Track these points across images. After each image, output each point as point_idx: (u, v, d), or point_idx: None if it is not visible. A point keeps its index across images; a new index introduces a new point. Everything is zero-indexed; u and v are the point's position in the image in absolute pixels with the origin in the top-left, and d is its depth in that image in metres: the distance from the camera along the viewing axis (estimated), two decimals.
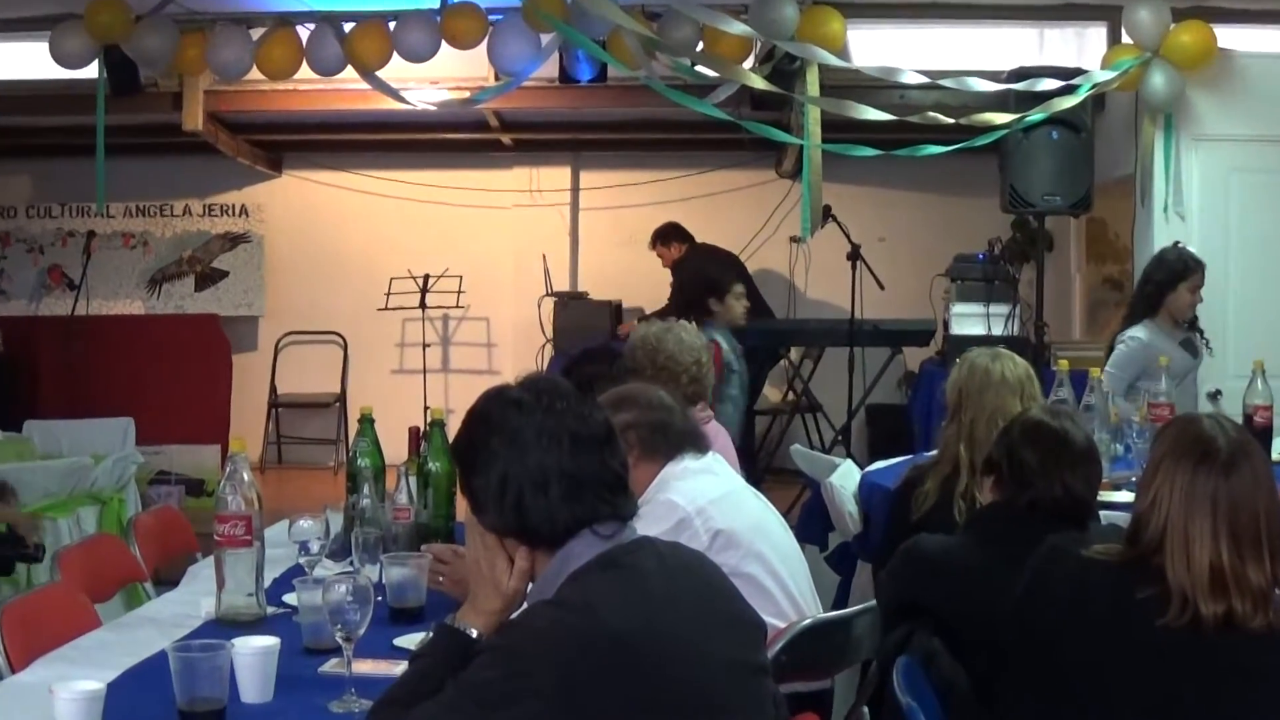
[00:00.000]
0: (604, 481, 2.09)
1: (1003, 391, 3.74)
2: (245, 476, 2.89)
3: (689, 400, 3.87)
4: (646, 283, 9.14)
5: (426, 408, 8.94)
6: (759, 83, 6.49)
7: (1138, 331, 5.47)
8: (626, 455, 2.15)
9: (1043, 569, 2.50)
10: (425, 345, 9.59)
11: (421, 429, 3.71)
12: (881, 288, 7.72)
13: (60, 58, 7.08)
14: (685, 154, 9.83)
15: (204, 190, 10.07)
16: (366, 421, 3.62)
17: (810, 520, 4.96)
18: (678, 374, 4.08)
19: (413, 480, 3.50)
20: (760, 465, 8.66)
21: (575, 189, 10.08)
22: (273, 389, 10.01)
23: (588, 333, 8.48)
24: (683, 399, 3.53)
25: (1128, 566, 2.38)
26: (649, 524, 2.43)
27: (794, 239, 9.40)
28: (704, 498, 3.01)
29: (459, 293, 9.55)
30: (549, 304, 9.32)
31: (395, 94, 7.10)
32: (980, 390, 3.77)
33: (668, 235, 8.87)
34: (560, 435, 2.06)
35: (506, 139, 9.69)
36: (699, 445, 3.15)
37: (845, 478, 4.70)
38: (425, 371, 9.53)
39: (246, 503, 2.89)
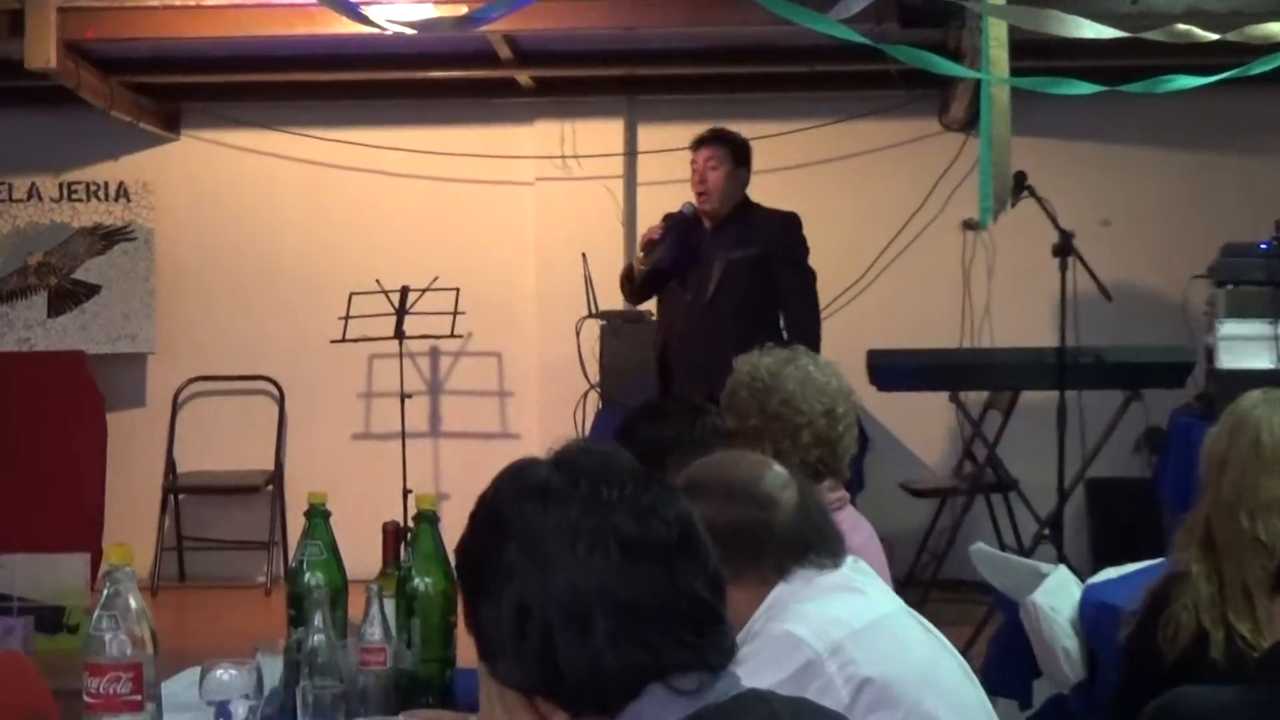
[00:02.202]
0: (678, 611, 2.06)
1: None
2: (132, 602, 2.88)
3: (813, 473, 3.84)
4: None
5: (408, 492, 8.98)
6: None
7: None
8: (721, 567, 2.12)
9: None
10: (404, 396, 9.62)
11: (401, 525, 3.71)
12: (1108, 298, 7.68)
13: None
14: (798, 98, 9.84)
15: (59, 161, 10.19)
16: (318, 515, 3.61)
17: (1004, 661, 4.94)
18: (796, 429, 4.05)
19: (390, 605, 3.49)
20: (920, 575, 8.58)
21: (631, 153, 10.11)
22: (170, 465, 10.08)
23: (652, 372, 8.45)
24: (804, 471, 3.49)
25: None
26: (758, 669, 2.40)
27: (968, 224, 9.38)
28: (841, 629, 2.96)
29: (455, 314, 9.57)
30: (592, 329, 9.32)
31: (354, 11, 7.12)
32: (1247, 459, 3.76)
33: (740, 148, 8.16)
34: (606, 540, 2.04)
35: (525, 78, 9.74)
36: (830, 549, 3.11)
37: (1057, 595, 4.66)
38: (404, 436, 9.56)
39: (134, 643, 2.87)
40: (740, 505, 3.08)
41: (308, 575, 3.56)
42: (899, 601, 3.24)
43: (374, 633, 3.41)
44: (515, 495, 2.10)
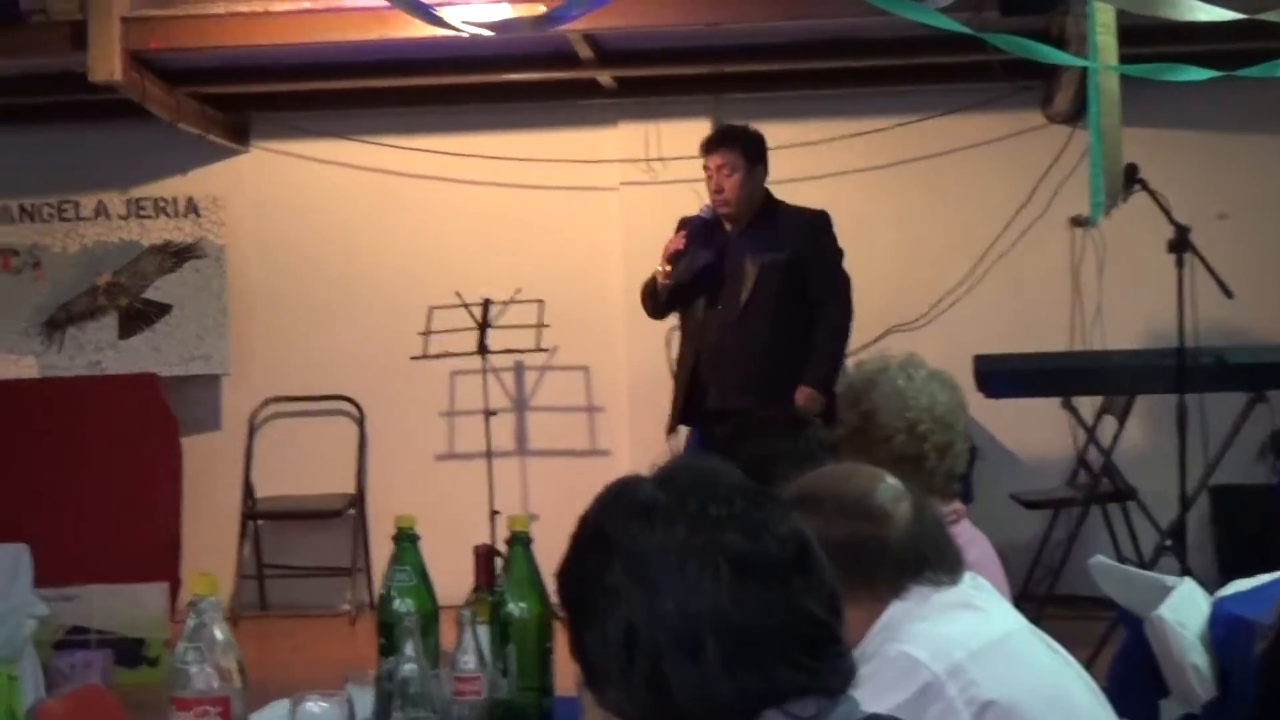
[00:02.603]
0: (794, 633, 2.06)
1: None
2: (218, 634, 2.87)
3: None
4: None
5: (495, 513, 9.01)
6: None
7: None
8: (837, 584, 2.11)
9: None
10: (489, 413, 9.63)
11: (493, 548, 3.71)
12: (1229, 295, 7.61)
13: None
14: (891, 93, 9.85)
15: (126, 177, 10.28)
16: (406, 540, 3.61)
17: (1129, 681, 4.90)
18: (872, 444, 4.05)
19: (483, 631, 3.48)
20: (1034, 590, 8.53)
21: None
22: (248, 490, 10.15)
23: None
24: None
25: None
26: (875, 693, 2.38)
27: (1077, 220, 9.36)
28: (961, 649, 2.94)
29: (540, 327, 9.61)
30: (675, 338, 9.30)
31: (428, 13, 7.14)
32: None
33: (753, 144, 7.95)
34: (716, 561, 2.04)
35: (607, 78, 9.76)
36: (947, 565, 3.09)
37: (1185, 609, 4.62)
38: (490, 455, 9.56)
39: (221, 676, 2.87)
40: (853, 520, 3.06)
41: (397, 602, 3.54)
42: (1021, 619, 3.22)
43: (468, 661, 3.39)
44: (619, 515, 2.10)
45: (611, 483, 2.15)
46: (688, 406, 7.75)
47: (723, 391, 7.51)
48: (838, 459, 3.65)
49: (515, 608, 3.53)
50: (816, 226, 7.73)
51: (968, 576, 3.16)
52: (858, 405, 4.12)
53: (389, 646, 3.50)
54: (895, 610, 3.03)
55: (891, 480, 3.19)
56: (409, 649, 3.40)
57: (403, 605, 3.53)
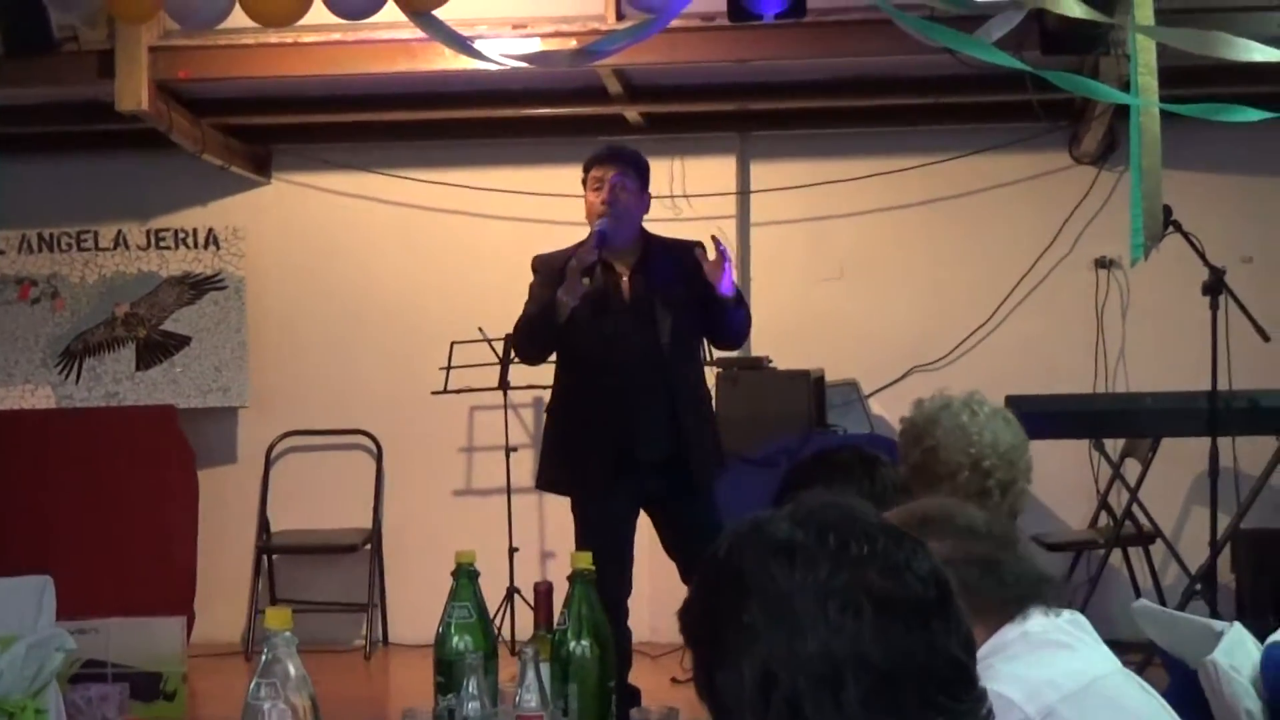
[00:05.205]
0: (934, 674, 2.03)
1: None
2: (291, 669, 2.87)
3: None
4: (870, 339, 9.06)
5: (514, 550, 9.02)
6: (1073, 4, 6.38)
7: None
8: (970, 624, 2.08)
9: None
10: (509, 449, 9.63)
11: (552, 586, 3.72)
12: (1265, 338, 7.65)
13: None
14: (919, 132, 9.84)
15: (147, 208, 10.28)
16: (465, 576, 3.64)
17: None
18: (935, 480, 4.07)
19: (545, 670, 3.47)
20: None
21: (744, 191, 10.10)
22: (263, 524, 10.14)
23: (774, 425, 8.40)
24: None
25: None
26: None
27: (1102, 261, 9.33)
28: (1055, 691, 2.90)
29: None
30: (707, 377, 9.23)
31: (462, 44, 7.13)
32: None
33: (647, 172, 7.43)
34: (860, 601, 2.00)
35: (635, 114, 9.76)
36: (1057, 592, 3.07)
37: (1236, 653, 4.56)
38: (509, 491, 9.55)
39: (295, 713, 2.86)
40: (982, 541, 3.07)
41: (456, 639, 3.58)
42: (1114, 660, 3.18)
43: (530, 699, 3.39)
44: (757, 553, 2.06)
45: (744, 519, 2.11)
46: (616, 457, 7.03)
47: (651, 442, 7.03)
48: (911, 500, 3.61)
49: (577, 646, 3.56)
50: (695, 256, 7.03)
51: (1067, 612, 3.13)
52: (920, 442, 4.11)
53: (447, 685, 3.53)
54: (993, 642, 3.01)
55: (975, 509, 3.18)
56: (471, 687, 3.40)
57: (462, 642, 3.57)
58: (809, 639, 2.00)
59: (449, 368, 9.48)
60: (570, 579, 3.59)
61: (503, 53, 7.45)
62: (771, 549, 2.05)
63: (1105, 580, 8.78)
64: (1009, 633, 3.02)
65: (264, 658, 2.89)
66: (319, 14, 7.08)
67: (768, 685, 2.01)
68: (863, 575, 2.02)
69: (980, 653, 3.01)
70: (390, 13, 6.83)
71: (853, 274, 9.52)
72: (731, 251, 7.16)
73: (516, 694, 3.41)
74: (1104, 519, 9.15)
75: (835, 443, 7.54)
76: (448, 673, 3.53)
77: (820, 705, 1.99)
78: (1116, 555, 8.93)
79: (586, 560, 3.60)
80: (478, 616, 3.60)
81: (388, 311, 10.16)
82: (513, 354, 8.74)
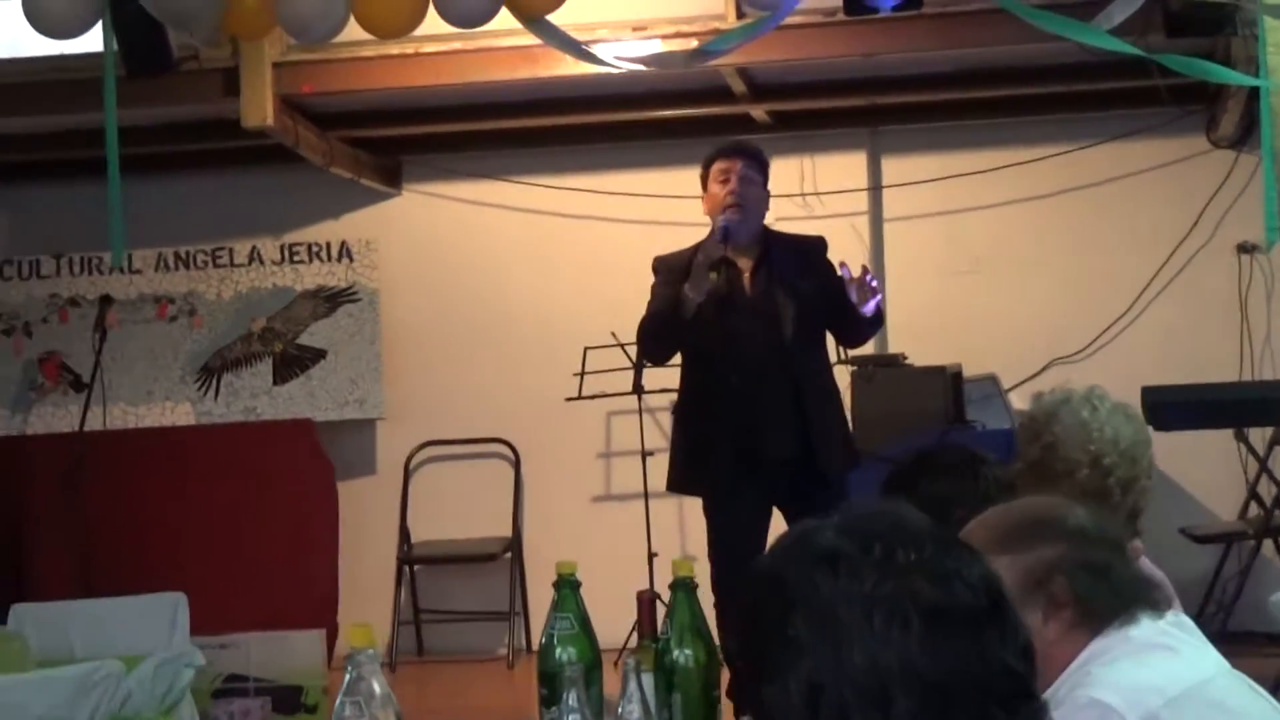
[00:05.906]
0: (988, 686, 1.97)
1: None
2: (376, 687, 2.87)
3: None
4: (1008, 332, 8.99)
5: (653, 556, 8.97)
6: None
7: None
8: (1043, 624, 2.02)
9: None
10: (646, 454, 9.56)
11: (656, 594, 3.70)
12: None
13: (41, 19, 7.01)
14: (1051, 121, 9.79)
15: (279, 223, 10.39)
16: (567, 586, 3.62)
17: None
18: (1054, 478, 4.01)
19: (648, 680, 3.44)
20: (1206, 627, 8.38)
21: (875, 187, 10.07)
22: (404, 534, 10.18)
23: (912, 422, 8.34)
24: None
25: None
26: None
27: (1244, 247, 9.28)
28: (1157, 697, 2.84)
29: None
30: (842, 376, 9.17)
31: (576, 48, 7.13)
32: None
33: (767, 168, 7.37)
34: (907, 611, 1.96)
35: (760, 113, 9.74)
36: (1165, 594, 3.01)
37: None
38: (647, 497, 9.46)
39: None
40: (1095, 546, 3.03)
41: (559, 651, 3.56)
42: (1222, 662, 3.10)
43: (633, 711, 3.35)
44: (801, 563, 2.03)
45: (789, 529, 2.10)
46: (743, 456, 6.95)
47: (779, 439, 6.93)
48: (1016, 498, 3.54)
49: (680, 655, 3.53)
50: (822, 251, 7.10)
51: (1170, 614, 3.09)
52: (1039, 438, 4.06)
53: (550, 697, 3.51)
54: (1095, 647, 2.96)
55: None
56: (572, 699, 3.36)
57: (564, 654, 3.55)
58: (855, 651, 1.96)
59: (583, 373, 9.50)
60: (672, 587, 3.56)
61: (619, 55, 7.44)
62: (815, 559, 2.02)
63: (1256, 571, 8.66)
64: (1112, 637, 2.97)
65: (348, 676, 2.90)
66: (438, 24, 7.10)
67: (814, 699, 1.97)
68: (910, 584, 1.98)
69: (1080, 658, 2.95)
70: (508, 20, 6.83)
71: (988, 267, 9.50)
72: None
73: (619, 705, 3.38)
74: (1254, 509, 9.02)
75: (937, 442, 7.43)
76: (550, 684, 3.52)
77: (867, 718, 1.96)
78: (1269, 547, 8.80)
79: (688, 568, 3.58)
80: (580, 628, 3.59)
81: (519, 318, 10.22)
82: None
